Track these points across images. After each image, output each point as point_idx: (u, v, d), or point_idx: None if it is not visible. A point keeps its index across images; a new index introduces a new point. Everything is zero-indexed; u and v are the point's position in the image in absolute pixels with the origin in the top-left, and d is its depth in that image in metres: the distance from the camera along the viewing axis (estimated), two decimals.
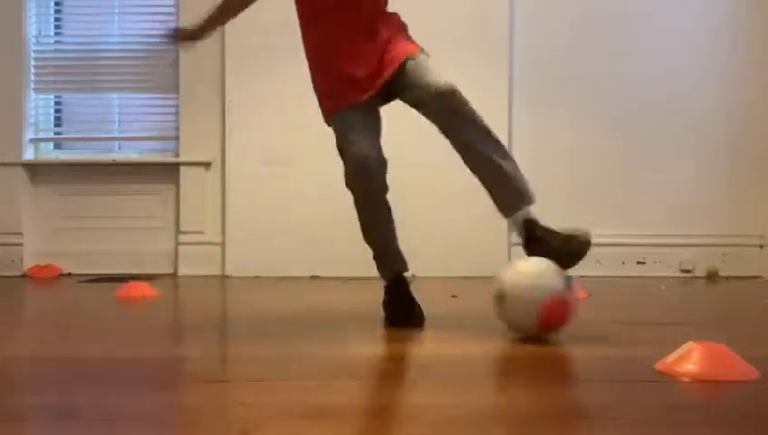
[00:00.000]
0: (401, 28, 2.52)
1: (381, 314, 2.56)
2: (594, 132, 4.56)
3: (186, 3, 4.66)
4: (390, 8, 2.62)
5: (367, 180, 2.35)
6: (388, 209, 2.50)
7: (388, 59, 2.37)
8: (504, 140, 2.43)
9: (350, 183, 2.37)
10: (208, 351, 2.13)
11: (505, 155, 2.39)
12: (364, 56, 2.38)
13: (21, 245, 4.70)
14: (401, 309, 2.48)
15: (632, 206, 4.54)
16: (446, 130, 2.31)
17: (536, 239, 2.27)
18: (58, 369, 1.84)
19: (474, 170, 2.35)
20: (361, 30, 2.40)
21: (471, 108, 2.31)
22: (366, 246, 2.56)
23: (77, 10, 4.89)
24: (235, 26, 4.79)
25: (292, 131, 4.49)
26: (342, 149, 2.39)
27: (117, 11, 4.87)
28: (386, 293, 2.56)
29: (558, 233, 2.27)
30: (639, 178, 4.55)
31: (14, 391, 1.61)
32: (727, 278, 4.37)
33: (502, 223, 4.48)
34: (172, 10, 4.73)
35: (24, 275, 4.60)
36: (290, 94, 4.51)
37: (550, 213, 4.51)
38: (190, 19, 4.98)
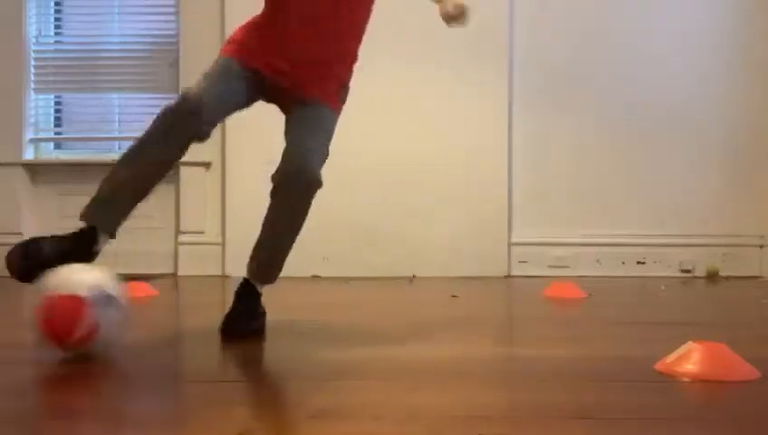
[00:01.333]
0: (343, 78, 2.31)
1: (381, 314, 2.56)
2: (594, 133, 4.56)
3: (186, 3, 4.66)
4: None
5: (185, 118, 2.11)
6: (167, 166, 2.17)
7: (308, 82, 2.20)
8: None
9: (166, 111, 2.13)
10: (208, 351, 2.13)
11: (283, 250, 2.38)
12: (304, 49, 2.19)
13: None
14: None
15: (632, 206, 4.54)
16: (275, 199, 2.23)
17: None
18: (59, 369, 1.84)
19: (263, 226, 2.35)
20: (325, 30, 2.19)
21: (305, 209, 2.23)
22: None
23: (77, 10, 4.89)
24: (234, 26, 4.80)
25: None
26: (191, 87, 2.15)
27: (117, 11, 4.87)
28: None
29: None
30: (639, 178, 4.55)
31: (14, 392, 1.61)
32: (727, 278, 4.37)
33: (502, 223, 4.51)
34: (172, 10, 4.73)
35: None
36: None
37: (550, 213, 4.56)
38: (190, 19, 4.99)
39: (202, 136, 2.13)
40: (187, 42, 4.65)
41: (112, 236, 2.12)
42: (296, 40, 2.19)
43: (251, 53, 2.23)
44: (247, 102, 2.28)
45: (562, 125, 4.55)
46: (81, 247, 2.02)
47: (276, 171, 2.16)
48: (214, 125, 2.15)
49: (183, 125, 2.11)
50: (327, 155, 2.24)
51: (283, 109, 2.30)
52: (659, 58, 4.54)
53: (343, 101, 2.33)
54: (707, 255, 4.48)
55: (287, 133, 2.22)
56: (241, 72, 2.21)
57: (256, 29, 2.28)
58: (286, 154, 2.16)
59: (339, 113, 2.31)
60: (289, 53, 2.19)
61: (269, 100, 2.32)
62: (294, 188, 2.15)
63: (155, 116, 2.14)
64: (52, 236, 2.00)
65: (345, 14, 2.22)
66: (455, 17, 2.25)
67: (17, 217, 4.70)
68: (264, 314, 2.37)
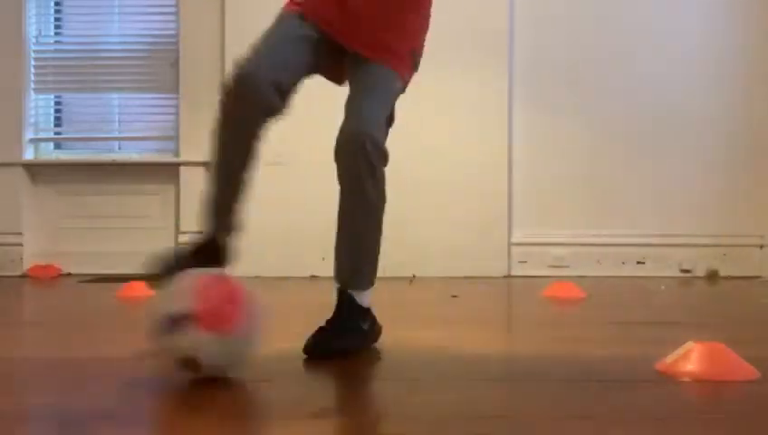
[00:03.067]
0: (414, 37, 2.08)
1: (382, 315, 2.56)
2: (594, 132, 4.56)
3: (186, 3, 4.66)
4: None
5: (242, 101, 1.89)
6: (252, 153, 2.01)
7: (370, 43, 1.96)
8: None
9: (222, 95, 1.94)
10: None
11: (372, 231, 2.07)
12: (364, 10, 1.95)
13: (21, 245, 4.70)
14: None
15: (632, 206, 4.54)
16: (339, 182, 2.04)
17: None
18: (58, 369, 1.84)
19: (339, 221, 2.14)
20: None
21: (373, 184, 1.96)
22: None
23: (77, 10, 4.89)
24: (234, 26, 4.80)
25: (291, 131, 4.48)
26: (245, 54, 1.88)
27: (117, 11, 4.86)
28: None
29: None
30: (639, 177, 4.55)
31: (14, 391, 1.61)
32: (727, 278, 4.37)
33: (502, 223, 4.51)
34: (172, 10, 4.73)
35: (24, 275, 4.60)
36: None
37: (550, 213, 4.56)
38: (190, 19, 4.99)
39: (274, 111, 1.91)
40: (187, 42, 4.65)
41: (232, 232, 2.11)
42: None
43: (314, 8, 1.96)
44: (316, 63, 2.00)
45: (563, 125, 4.55)
46: (211, 254, 2.00)
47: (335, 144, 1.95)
48: (285, 94, 1.90)
49: (242, 109, 1.90)
50: (390, 122, 2.02)
51: (347, 75, 2.06)
52: (659, 58, 4.54)
53: (414, 68, 2.08)
54: (707, 255, 4.48)
55: (347, 101, 1.99)
56: (303, 29, 1.93)
57: None
58: (343, 122, 1.94)
59: (406, 80, 2.05)
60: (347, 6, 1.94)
61: (332, 65, 2.05)
62: (353, 159, 1.91)
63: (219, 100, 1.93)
64: (181, 249, 1.98)
65: None
66: None
67: (17, 217, 4.70)
68: (364, 330, 2.00)
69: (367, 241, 2.08)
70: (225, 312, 1.61)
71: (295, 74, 1.94)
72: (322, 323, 1.97)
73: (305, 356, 1.88)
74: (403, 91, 2.07)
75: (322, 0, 1.95)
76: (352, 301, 2.00)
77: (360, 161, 1.90)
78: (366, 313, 2.02)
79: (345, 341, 1.94)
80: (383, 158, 1.94)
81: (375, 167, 1.92)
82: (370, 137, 1.89)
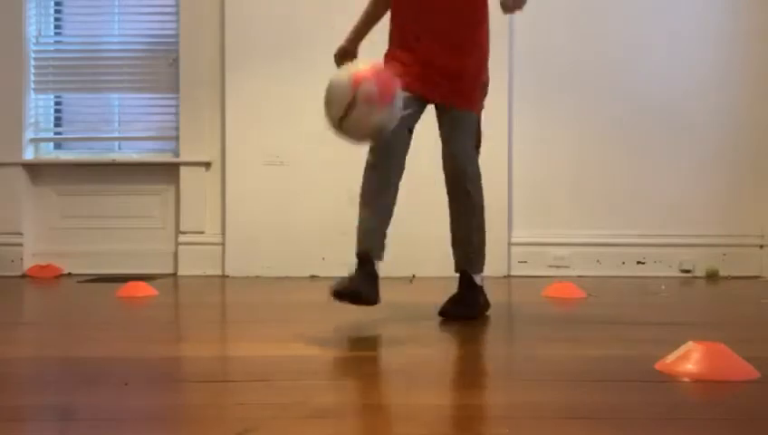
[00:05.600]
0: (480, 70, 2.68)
1: (381, 315, 2.56)
2: (594, 133, 4.55)
3: (186, 3, 4.66)
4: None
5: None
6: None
7: (456, 91, 2.59)
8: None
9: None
10: (208, 351, 2.13)
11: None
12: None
13: (21, 245, 4.70)
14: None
15: (632, 206, 4.53)
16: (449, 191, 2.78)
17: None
18: (58, 369, 1.84)
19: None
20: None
21: (474, 200, 2.74)
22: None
23: (77, 10, 4.88)
24: (235, 26, 4.81)
25: (292, 131, 4.49)
26: None
27: (117, 11, 4.86)
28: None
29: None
30: (639, 177, 4.54)
31: (14, 391, 1.62)
32: (727, 278, 4.37)
33: (502, 224, 4.50)
34: (172, 10, 4.73)
35: (24, 275, 4.60)
36: (290, 94, 4.51)
37: (550, 213, 4.55)
38: (190, 19, 4.99)
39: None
40: (186, 42, 4.65)
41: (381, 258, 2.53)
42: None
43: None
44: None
45: (562, 125, 4.55)
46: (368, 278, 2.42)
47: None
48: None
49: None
50: (478, 144, 2.74)
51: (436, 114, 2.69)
52: (659, 59, 4.54)
53: (485, 94, 2.73)
54: (707, 255, 4.48)
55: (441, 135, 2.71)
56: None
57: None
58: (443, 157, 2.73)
59: (480, 109, 2.71)
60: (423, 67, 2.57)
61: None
62: (458, 189, 2.74)
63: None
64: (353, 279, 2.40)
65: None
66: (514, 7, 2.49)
67: (17, 217, 4.70)
68: (480, 304, 2.68)
69: (474, 234, 2.79)
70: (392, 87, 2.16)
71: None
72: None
73: (441, 318, 2.57)
74: (479, 114, 2.74)
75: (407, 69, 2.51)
76: (471, 279, 2.68)
77: (467, 192, 2.75)
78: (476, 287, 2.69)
79: (470, 310, 2.62)
80: (478, 177, 2.76)
81: (474, 190, 2.74)
82: (472, 173, 2.75)
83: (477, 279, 2.69)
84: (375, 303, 2.38)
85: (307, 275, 4.36)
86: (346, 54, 2.67)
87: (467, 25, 2.59)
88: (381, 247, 2.52)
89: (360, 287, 2.34)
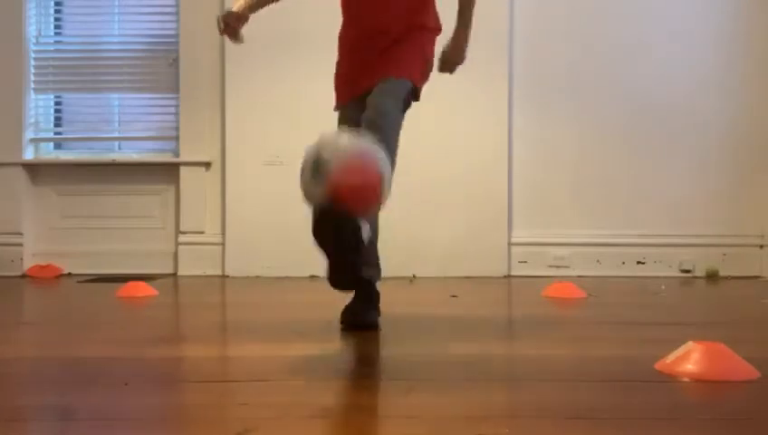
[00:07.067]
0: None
1: (381, 315, 2.56)
2: (594, 133, 4.55)
3: (186, 3, 4.66)
4: None
5: None
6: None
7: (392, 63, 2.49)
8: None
9: None
10: (208, 351, 2.13)
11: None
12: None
13: (21, 245, 4.70)
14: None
15: (632, 206, 4.54)
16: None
17: None
18: (58, 369, 1.84)
19: None
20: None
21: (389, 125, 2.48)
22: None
23: (77, 10, 4.88)
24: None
25: (292, 131, 4.49)
26: None
27: (117, 11, 4.86)
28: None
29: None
30: (639, 177, 4.55)
31: (14, 391, 1.62)
32: (727, 278, 4.37)
33: (502, 224, 4.51)
34: (172, 10, 4.73)
35: (24, 275, 4.60)
36: (290, 94, 4.52)
37: (550, 213, 4.56)
38: (190, 19, 4.98)
39: None
40: (187, 42, 4.65)
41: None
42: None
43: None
44: None
45: (562, 125, 4.55)
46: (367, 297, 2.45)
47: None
48: None
49: None
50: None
51: None
52: (659, 58, 4.54)
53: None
54: (707, 255, 4.48)
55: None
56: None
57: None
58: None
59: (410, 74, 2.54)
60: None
61: None
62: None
63: None
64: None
65: None
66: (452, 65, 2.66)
67: (17, 217, 4.70)
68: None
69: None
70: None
71: None
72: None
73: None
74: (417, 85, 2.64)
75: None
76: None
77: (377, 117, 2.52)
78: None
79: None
80: (397, 123, 2.63)
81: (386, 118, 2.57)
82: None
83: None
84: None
85: (307, 275, 4.36)
86: (237, 20, 2.65)
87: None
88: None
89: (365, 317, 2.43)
